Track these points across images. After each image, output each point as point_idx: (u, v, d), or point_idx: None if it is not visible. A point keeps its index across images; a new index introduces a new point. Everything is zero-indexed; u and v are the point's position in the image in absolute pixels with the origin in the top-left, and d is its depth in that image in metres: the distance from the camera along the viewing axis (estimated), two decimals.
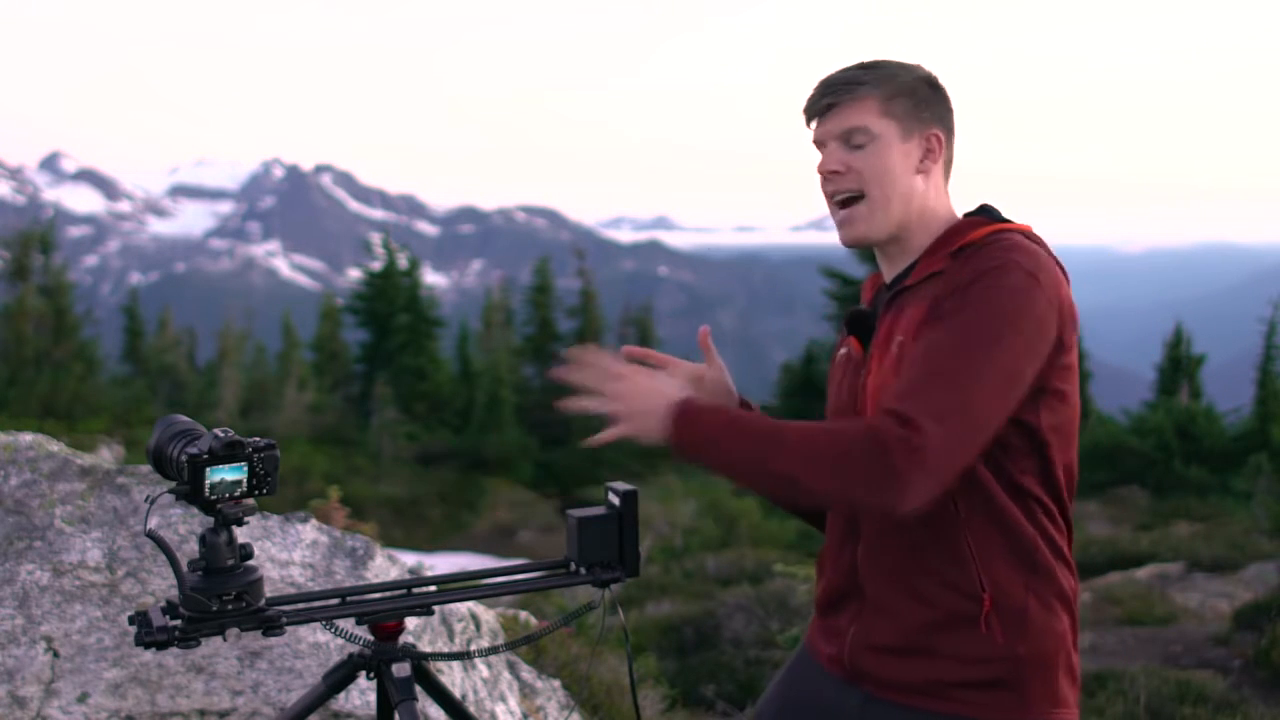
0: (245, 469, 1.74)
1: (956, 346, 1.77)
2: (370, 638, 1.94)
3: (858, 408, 1.98)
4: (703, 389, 2.11)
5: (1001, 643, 1.86)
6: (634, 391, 1.87)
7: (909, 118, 1.96)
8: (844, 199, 1.98)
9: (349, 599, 1.92)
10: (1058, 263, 1.91)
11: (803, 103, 2.04)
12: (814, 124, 2.02)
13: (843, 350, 2.12)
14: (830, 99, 1.97)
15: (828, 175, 1.99)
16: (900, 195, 1.96)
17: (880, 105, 1.95)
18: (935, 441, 1.69)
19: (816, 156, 2.02)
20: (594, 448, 2.01)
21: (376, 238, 38.30)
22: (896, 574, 1.93)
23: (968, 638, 1.87)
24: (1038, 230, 1.99)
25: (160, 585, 2.96)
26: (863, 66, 1.99)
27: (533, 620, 4.26)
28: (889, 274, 2.06)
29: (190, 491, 1.72)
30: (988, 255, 1.84)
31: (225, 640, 1.69)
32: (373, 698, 2.89)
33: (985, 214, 2.02)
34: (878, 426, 1.72)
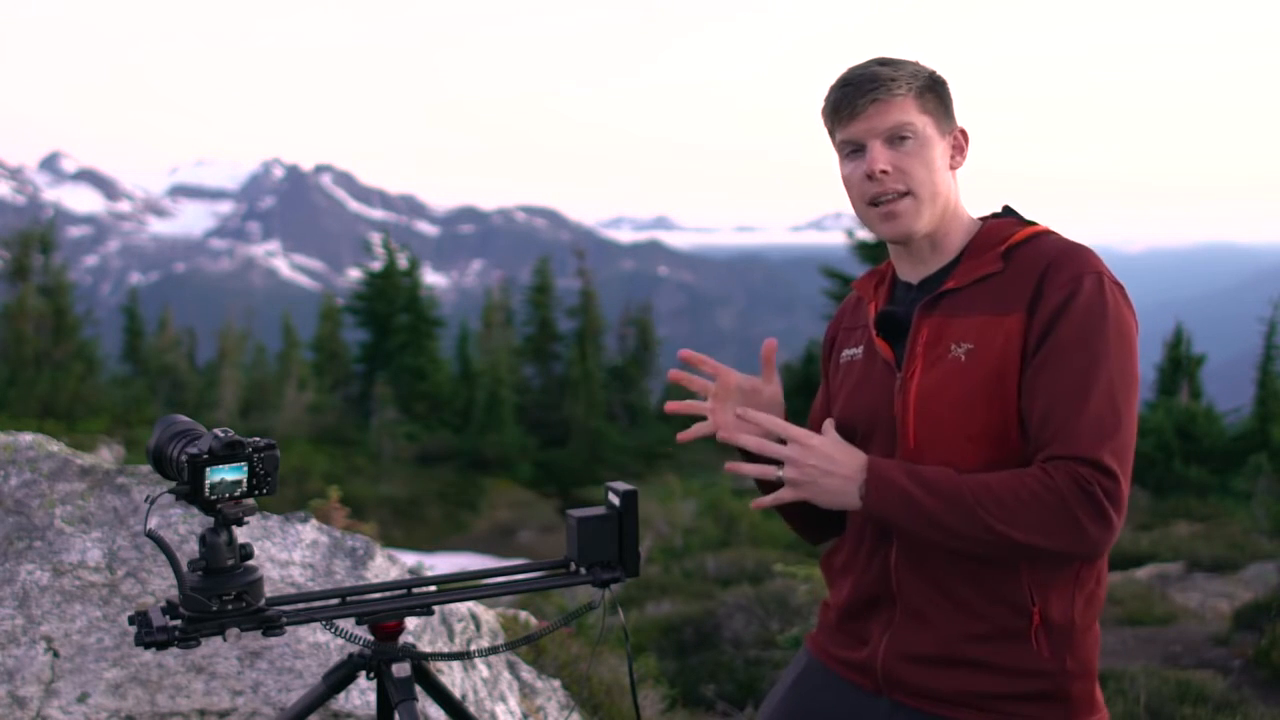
0: (245, 469, 1.73)
1: (1101, 373, 1.78)
2: (370, 638, 1.94)
3: (895, 412, 1.93)
4: (759, 402, 2.09)
5: (1049, 656, 1.86)
6: (814, 458, 1.86)
7: (940, 114, 1.95)
8: (889, 198, 1.93)
9: (349, 599, 1.92)
10: None
11: (825, 105, 1.98)
12: (847, 124, 1.94)
13: (855, 351, 2.08)
14: (870, 96, 1.91)
15: (876, 175, 1.92)
16: (941, 192, 1.95)
17: (917, 102, 1.92)
18: (1124, 482, 1.76)
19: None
20: (758, 509, 2.00)
21: (376, 238, 38.32)
22: (939, 584, 1.90)
23: (1015, 651, 1.86)
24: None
25: (160, 585, 2.96)
26: (884, 63, 1.94)
27: (533, 620, 4.26)
28: (915, 273, 2.02)
29: (190, 491, 1.71)
30: (1076, 267, 1.83)
31: (225, 640, 1.69)
32: (373, 698, 2.90)
33: (1008, 214, 2.03)
34: (1085, 478, 1.74)
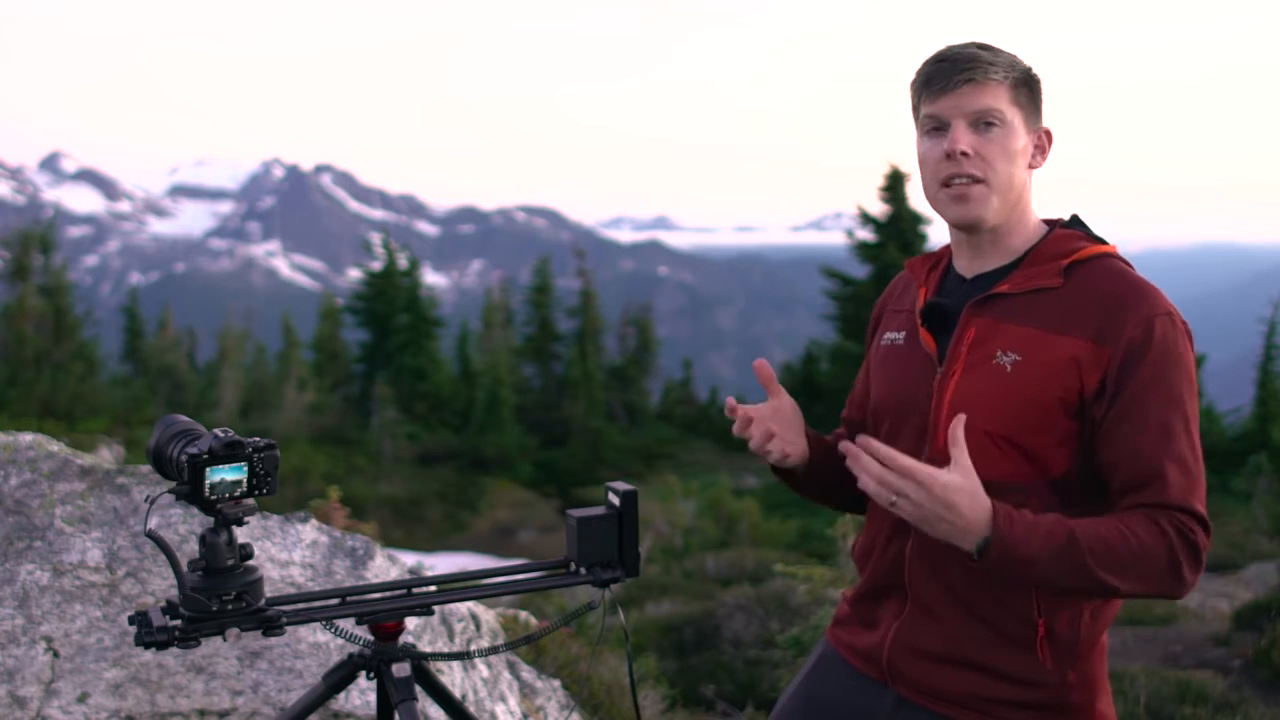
0: (245, 469, 1.73)
1: (1186, 424, 1.81)
2: (370, 638, 1.94)
3: (929, 409, 1.92)
4: (783, 420, 2.04)
5: (1052, 669, 1.86)
6: (934, 504, 1.73)
7: (1030, 109, 1.91)
8: (964, 182, 1.89)
9: (349, 599, 1.92)
10: None
11: (917, 77, 1.93)
12: (936, 99, 1.89)
13: (898, 336, 2.05)
14: (966, 75, 1.86)
15: (956, 155, 1.87)
16: (1016, 187, 1.90)
17: (1010, 92, 1.88)
18: (1211, 530, 1.81)
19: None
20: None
21: (376, 238, 38.35)
22: (950, 583, 1.89)
23: (1017, 659, 1.86)
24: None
25: (160, 585, 2.96)
26: (984, 47, 1.90)
27: (533, 620, 4.26)
28: (970, 266, 1.98)
29: (190, 491, 1.71)
30: (1151, 308, 1.82)
31: (225, 640, 1.69)
32: (373, 698, 2.89)
33: (1076, 224, 1.98)
34: (1192, 531, 1.76)
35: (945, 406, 1.88)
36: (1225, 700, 5.45)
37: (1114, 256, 1.91)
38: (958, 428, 1.75)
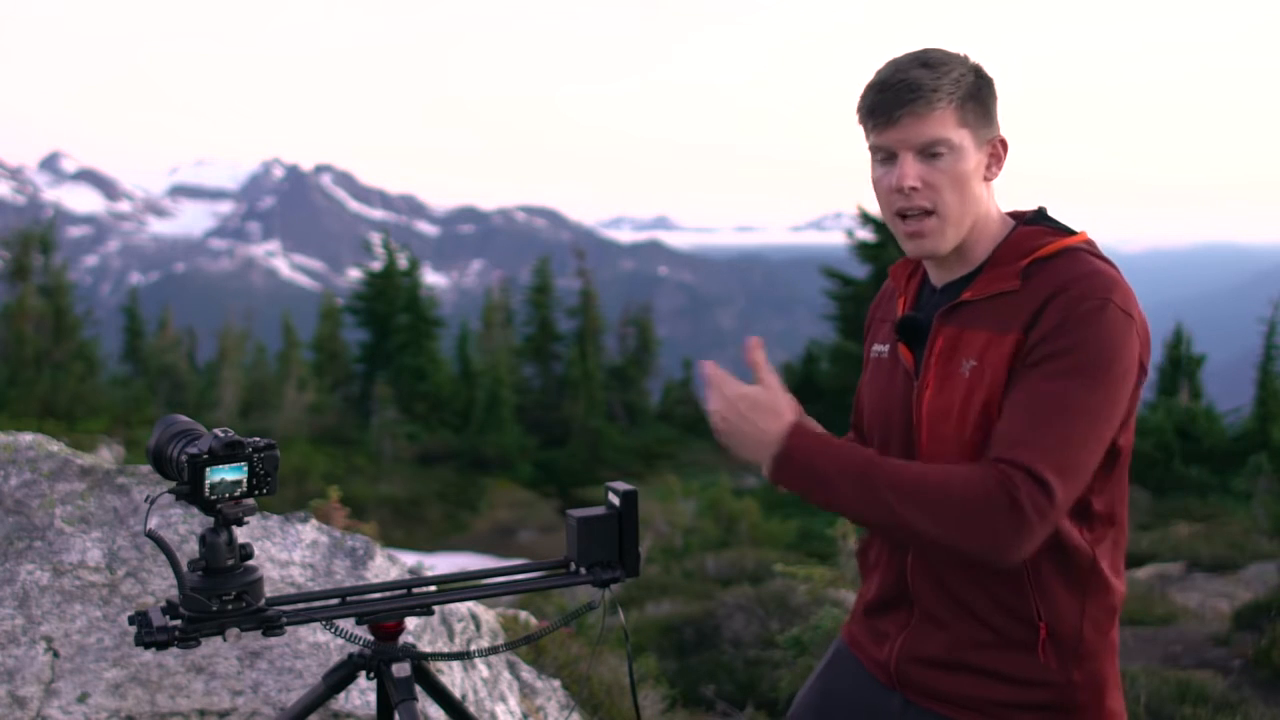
0: (245, 469, 1.73)
1: (1069, 397, 1.73)
2: (370, 638, 1.94)
3: (911, 423, 1.91)
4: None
5: (1056, 669, 1.85)
6: (732, 411, 1.83)
7: (979, 124, 1.86)
8: (915, 213, 1.86)
9: (349, 599, 1.92)
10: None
11: (861, 103, 1.89)
12: (881, 131, 1.85)
13: (883, 349, 2.04)
14: (908, 108, 1.81)
15: (905, 191, 1.85)
16: (969, 209, 1.87)
17: (956, 115, 1.83)
18: (1059, 498, 1.70)
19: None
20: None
21: (376, 238, 38.33)
22: (949, 589, 1.89)
23: (1021, 661, 1.86)
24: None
25: (160, 585, 2.96)
26: (926, 65, 1.83)
27: (533, 620, 4.26)
28: (939, 276, 1.97)
29: (190, 491, 1.72)
30: (1080, 292, 1.76)
31: (225, 640, 1.69)
32: (373, 698, 2.89)
33: (1041, 219, 1.94)
34: (1014, 483, 1.69)
35: (924, 422, 1.88)
36: (1225, 700, 5.45)
37: (1078, 248, 1.86)
38: (756, 352, 1.86)
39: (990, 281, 1.87)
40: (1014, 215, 1.98)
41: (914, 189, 1.84)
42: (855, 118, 1.93)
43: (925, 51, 1.86)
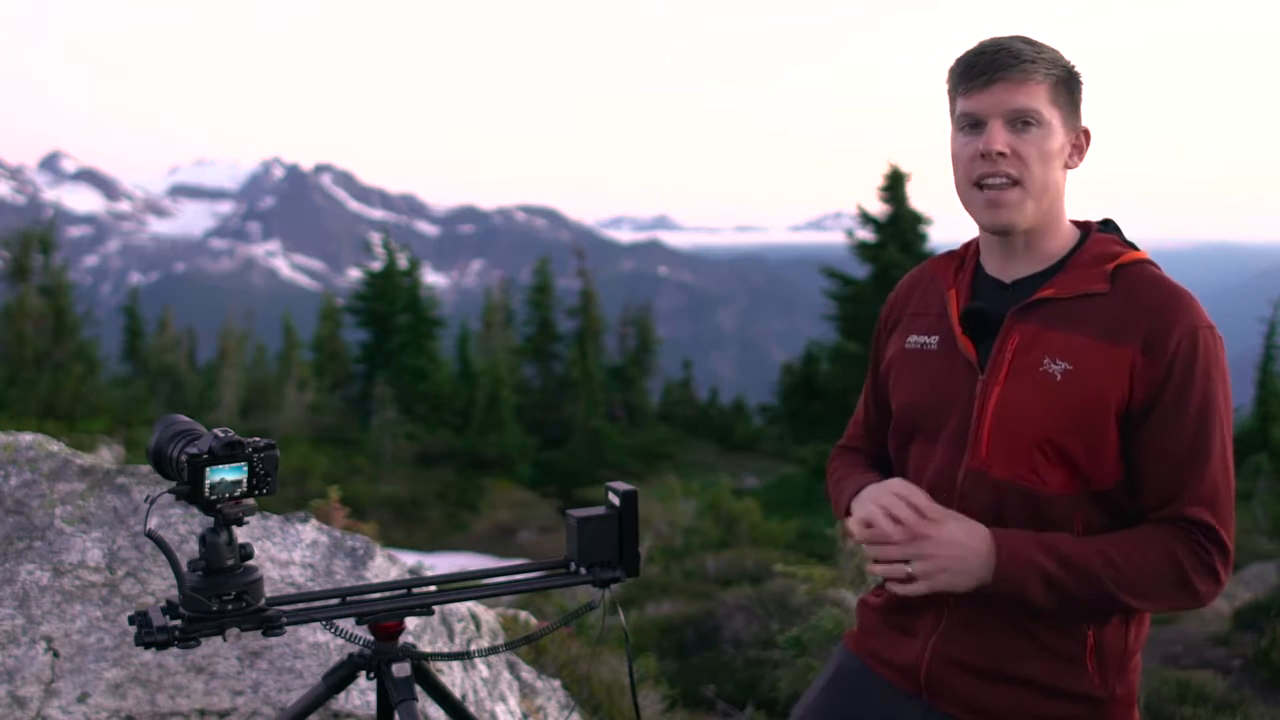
0: (245, 469, 1.73)
1: (1221, 438, 1.78)
2: (370, 638, 1.94)
3: (970, 417, 1.86)
4: None
5: (1099, 682, 1.83)
6: (944, 551, 1.78)
7: (1069, 109, 1.85)
8: (998, 183, 1.83)
9: (349, 599, 1.92)
10: None
11: (955, 67, 1.86)
12: (973, 95, 1.83)
13: (928, 340, 1.97)
14: (1005, 73, 1.80)
15: (992, 155, 1.81)
16: (1051, 189, 1.84)
17: (1050, 91, 1.82)
18: (1234, 543, 1.79)
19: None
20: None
21: (376, 238, 38.31)
22: (990, 595, 1.83)
23: (1064, 672, 1.83)
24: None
25: (160, 585, 2.96)
26: (1027, 42, 1.83)
27: (533, 620, 4.25)
28: (1006, 271, 1.92)
29: (190, 491, 1.71)
30: (1189, 314, 1.79)
31: (225, 640, 1.69)
32: (373, 698, 2.89)
33: (1111, 228, 1.95)
34: (1207, 551, 1.75)
35: (989, 415, 1.83)
36: (1225, 700, 5.45)
37: (1150, 262, 1.87)
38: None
39: (1076, 280, 1.84)
40: (1077, 224, 1.96)
41: (1001, 154, 1.81)
42: (945, 86, 1.90)
43: (1022, 35, 1.87)
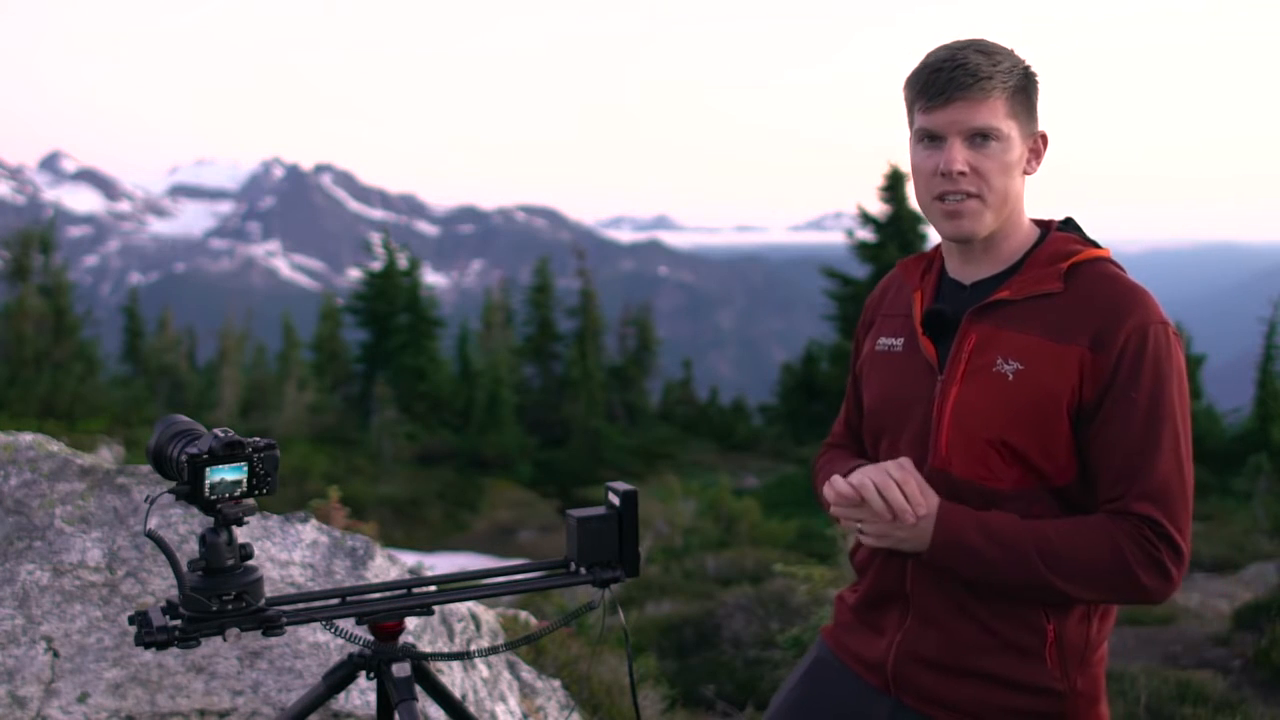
0: (245, 469, 1.73)
1: (1173, 432, 1.78)
2: (370, 638, 1.94)
3: (929, 418, 1.90)
4: None
5: (1059, 675, 1.85)
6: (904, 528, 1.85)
7: (1026, 117, 1.86)
8: (958, 199, 1.85)
9: (349, 599, 1.92)
10: None
11: (912, 81, 1.87)
12: (930, 112, 1.84)
13: (894, 342, 2.01)
14: (962, 92, 1.80)
15: (952, 175, 1.83)
16: (1010, 198, 1.87)
17: (1007, 105, 1.82)
18: (1188, 539, 1.78)
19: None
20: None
21: (376, 238, 38.29)
22: (953, 591, 1.88)
23: (1025, 667, 1.85)
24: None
25: (160, 585, 2.96)
26: (982, 52, 1.82)
27: (533, 620, 4.25)
28: (966, 273, 1.95)
29: (190, 491, 1.71)
30: (1140, 310, 1.79)
31: (225, 640, 1.69)
32: (373, 698, 2.89)
33: (1071, 227, 1.95)
34: (1153, 544, 1.74)
35: (947, 415, 1.86)
36: (1225, 700, 5.45)
37: (1109, 260, 1.89)
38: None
39: (1030, 281, 1.86)
40: (1038, 223, 1.98)
41: (961, 174, 1.83)
42: (902, 96, 1.91)
43: (978, 40, 1.86)
